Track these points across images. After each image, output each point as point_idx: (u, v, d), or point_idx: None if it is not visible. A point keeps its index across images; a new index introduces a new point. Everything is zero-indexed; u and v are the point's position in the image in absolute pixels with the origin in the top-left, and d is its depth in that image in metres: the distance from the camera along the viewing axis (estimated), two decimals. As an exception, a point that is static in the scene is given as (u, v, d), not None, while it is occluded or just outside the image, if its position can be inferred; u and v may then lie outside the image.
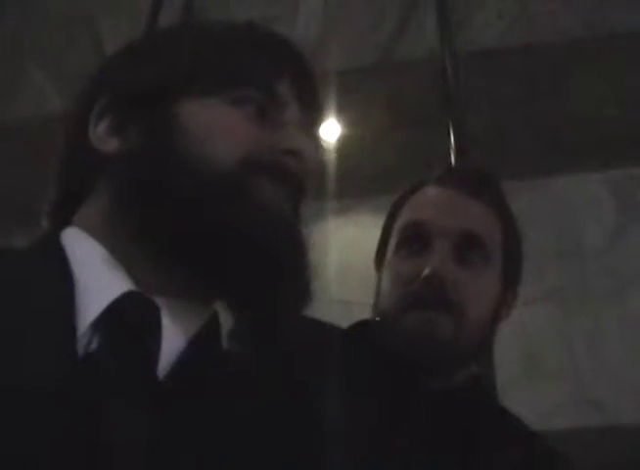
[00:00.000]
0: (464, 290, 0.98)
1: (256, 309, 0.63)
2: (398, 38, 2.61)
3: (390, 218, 1.10)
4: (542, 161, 2.84)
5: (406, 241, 1.03)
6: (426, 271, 0.97)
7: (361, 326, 1.09)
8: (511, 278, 1.07)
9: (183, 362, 0.60)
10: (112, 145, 0.66)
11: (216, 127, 0.65)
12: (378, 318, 1.05)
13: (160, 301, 0.59)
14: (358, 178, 2.88)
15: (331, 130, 2.76)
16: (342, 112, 2.65)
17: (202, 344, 0.62)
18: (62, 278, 0.58)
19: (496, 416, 1.05)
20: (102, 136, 0.67)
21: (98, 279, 0.59)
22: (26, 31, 2.94)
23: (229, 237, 0.60)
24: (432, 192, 1.07)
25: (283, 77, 0.71)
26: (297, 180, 0.67)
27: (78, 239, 0.63)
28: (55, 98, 2.78)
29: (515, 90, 2.62)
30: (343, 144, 2.80)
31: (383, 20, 2.64)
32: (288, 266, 0.63)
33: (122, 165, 0.65)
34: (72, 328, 0.54)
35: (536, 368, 2.65)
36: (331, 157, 2.71)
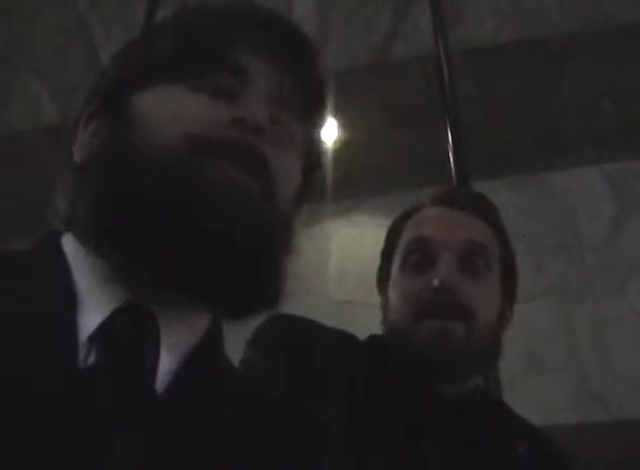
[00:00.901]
0: (472, 297, 1.01)
1: (213, 303, 0.60)
2: (393, 38, 2.61)
3: (390, 242, 1.12)
4: (539, 156, 2.85)
5: (412, 258, 1.05)
6: (435, 282, 1.00)
7: (373, 339, 1.11)
8: (508, 292, 1.10)
9: (182, 374, 0.58)
10: (84, 153, 0.65)
11: (162, 108, 0.62)
12: (388, 331, 1.06)
13: (158, 309, 0.57)
14: (356, 180, 2.88)
15: (328, 132, 2.76)
16: (338, 113, 2.65)
17: (202, 354, 0.61)
18: (64, 287, 0.57)
19: (504, 418, 1.08)
20: (83, 146, 0.65)
21: (97, 289, 0.57)
22: (21, 40, 2.94)
23: (173, 222, 0.55)
24: (430, 211, 1.10)
25: (242, 47, 0.66)
26: (255, 155, 0.61)
27: (76, 245, 0.61)
28: (50, 106, 2.78)
29: (510, 86, 2.62)
30: (341, 146, 2.80)
31: (377, 20, 2.64)
32: (240, 253, 0.57)
33: (85, 170, 0.63)
34: (73, 340, 0.54)
35: (539, 364, 2.66)
36: (328, 159, 2.71)
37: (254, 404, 0.62)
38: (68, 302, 0.56)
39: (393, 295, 1.07)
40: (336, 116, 2.67)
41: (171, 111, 0.62)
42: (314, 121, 0.72)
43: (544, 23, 2.53)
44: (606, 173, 2.89)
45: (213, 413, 0.57)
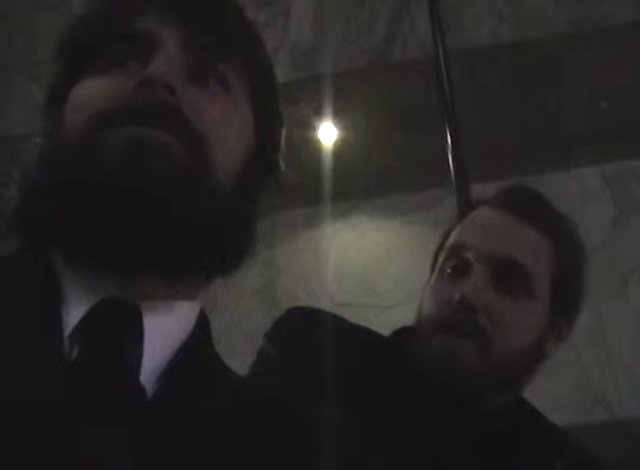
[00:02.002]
0: (498, 318, 0.96)
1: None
2: (391, 40, 2.61)
3: (445, 236, 1.07)
4: (537, 157, 2.85)
5: (449, 262, 1.02)
6: (457, 296, 0.96)
7: (403, 333, 1.07)
8: (562, 309, 1.04)
9: (169, 369, 0.57)
10: None
11: (79, 97, 0.61)
12: (414, 332, 1.03)
13: (144, 303, 0.56)
14: (355, 181, 2.88)
15: (327, 133, 2.76)
16: (336, 114, 2.65)
17: (189, 348, 0.60)
18: (47, 283, 0.57)
19: (540, 433, 1.04)
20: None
21: (79, 284, 0.57)
22: (19, 45, 2.94)
23: (80, 206, 0.53)
24: (483, 214, 1.04)
25: (145, 11, 0.63)
26: (164, 110, 0.57)
27: None
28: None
29: (507, 87, 2.62)
30: (340, 147, 2.80)
31: (375, 22, 2.64)
32: (156, 210, 0.54)
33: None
34: (58, 337, 0.53)
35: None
36: (327, 160, 2.71)
37: (244, 401, 0.61)
38: (51, 298, 0.56)
39: (427, 293, 1.03)
40: (334, 117, 2.67)
41: (79, 99, 0.61)
42: (254, 67, 0.68)
43: (541, 25, 2.54)
44: (604, 174, 2.89)
45: (201, 409, 0.56)
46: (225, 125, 0.62)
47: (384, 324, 1.09)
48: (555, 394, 2.59)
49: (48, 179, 0.57)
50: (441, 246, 1.06)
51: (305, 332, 1.01)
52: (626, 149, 2.81)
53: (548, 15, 2.53)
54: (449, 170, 1.86)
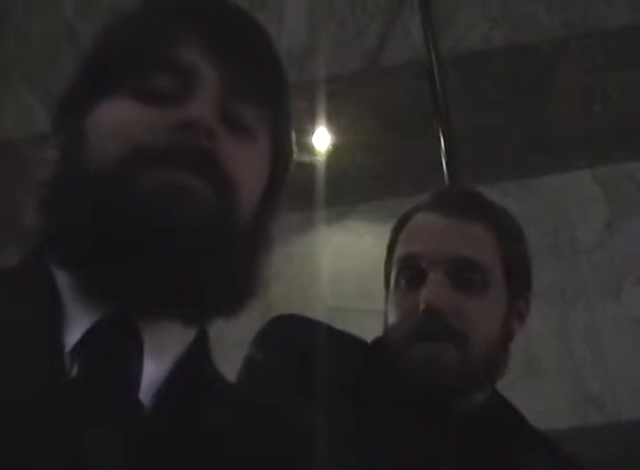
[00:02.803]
0: (464, 316, 0.99)
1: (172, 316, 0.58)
2: (384, 44, 2.62)
3: (390, 250, 1.10)
4: (531, 160, 2.85)
5: (403, 274, 1.04)
6: (422, 306, 0.98)
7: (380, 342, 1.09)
8: (518, 290, 1.07)
9: (167, 384, 0.57)
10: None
11: (106, 124, 0.59)
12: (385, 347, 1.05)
13: (143, 320, 0.57)
14: (349, 185, 2.88)
15: (320, 138, 2.76)
16: (330, 119, 2.65)
17: (187, 364, 0.60)
18: (49, 300, 0.57)
19: (518, 428, 1.06)
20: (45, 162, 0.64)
21: (81, 301, 0.57)
22: (12, 49, 2.93)
23: (109, 241, 0.54)
24: (423, 220, 1.07)
25: (184, 41, 0.61)
26: (202, 157, 0.57)
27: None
28: (42, 114, 2.78)
29: (501, 91, 2.63)
30: (333, 151, 2.80)
31: (368, 25, 2.64)
32: (184, 257, 0.55)
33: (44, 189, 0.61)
34: (59, 353, 0.53)
35: (534, 367, 2.65)
36: (321, 164, 2.71)
37: (242, 413, 0.61)
38: (53, 315, 0.56)
39: (390, 308, 1.05)
40: (328, 121, 2.67)
41: (111, 123, 0.59)
42: (278, 106, 0.68)
43: (534, 28, 2.54)
44: (598, 177, 2.89)
45: (199, 423, 0.56)
46: (250, 170, 0.63)
47: (378, 328, 1.09)
48: (550, 396, 2.59)
49: (80, 211, 0.56)
50: (389, 261, 1.08)
51: (292, 339, 1.02)
52: (620, 152, 2.81)
53: (541, 19, 2.53)
54: (443, 174, 1.87)
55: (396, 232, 1.10)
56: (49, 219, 0.59)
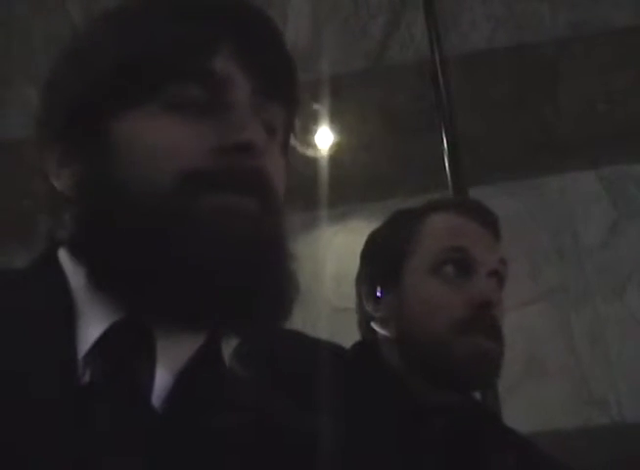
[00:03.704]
0: (501, 315, 1.03)
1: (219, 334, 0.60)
2: (388, 44, 2.61)
3: (405, 237, 1.09)
4: (535, 161, 2.85)
5: (448, 265, 1.04)
6: (479, 298, 1.00)
7: (362, 347, 1.10)
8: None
9: (178, 389, 0.57)
10: (63, 180, 0.61)
11: (150, 142, 0.57)
12: (399, 335, 1.05)
13: (156, 324, 0.56)
14: (352, 185, 2.88)
15: (324, 137, 2.76)
16: (334, 118, 2.65)
17: (198, 367, 0.59)
18: (62, 303, 0.56)
19: (494, 427, 1.08)
20: (54, 170, 0.62)
21: (94, 305, 0.56)
22: (17, 49, 2.94)
23: (168, 268, 0.53)
24: (458, 220, 1.09)
25: (218, 50, 0.59)
26: (258, 177, 0.57)
27: (74, 261, 0.59)
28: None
29: (505, 91, 2.62)
30: (336, 151, 2.80)
31: (372, 25, 2.64)
32: (244, 281, 0.55)
33: (67, 204, 0.60)
34: (72, 357, 0.53)
35: (538, 368, 2.65)
36: (324, 164, 2.71)
37: (254, 417, 0.61)
38: (66, 318, 0.55)
39: (417, 298, 1.05)
40: (331, 121, 2.67)
41: (152, 141, 0.57)
42: (292, 104, 0.67)
43: (538, 29, 2.54)
44: (602, 177, 2.89)
45: (211, 427, 0.56)
46: (282, 175, 0.63)
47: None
48: (553, 397, 2.58)
49: (127, 234, 0.55)
50: (404, 249, 1.08)
51: (273, 350, 1.03)
52: (625, 153, 2.81)
53: (545, 18, 2.53)
54: (446, 174, 1.86)
55: (413, 224, 1.10)
56: (82, 234, 0.58)
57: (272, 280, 0.57)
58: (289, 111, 0.66)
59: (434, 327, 1.01)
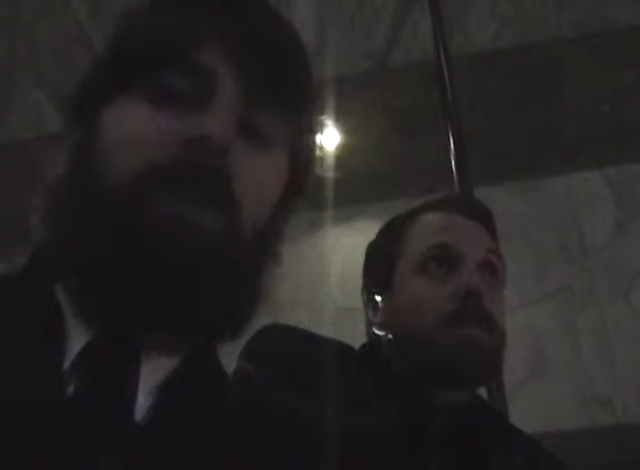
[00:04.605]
0: (493, 305, 1.03)
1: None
2: (393, 44, 2.62)
3: (394, 241, 1.11)
4: (540, 161, 2.84)
5: (432, 263, 1.05)
6: (464, 289, 1.00)
7: (368, 349, 1.11)
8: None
9: (162, 401, 0.56)
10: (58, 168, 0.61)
11: (120, 131, 0.56)
12: (394, 335, 1.06)
13: (140, 334, 0.55)
14: (358, 186, 2.88)
15: (329, 138, 2.76)
16: (339, 119, 2.65)
17: (182, 377, 0.58)
18: (50, 312, 0.56)
19: (501, 427, 1.09)
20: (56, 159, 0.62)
21: (80, 315, 0.56)
22: (22, 49, 2.94)
23: (112, 261, 0.52)
24: (443, 217, 1.10)
25: (206, 43, 0.58)
26: (214, 180, 0.55)
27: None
28: (52, 114, 2.79)
29: (510, 91, 2.62)
30: (342, 151, 2.80)
31: (377, 26, 2.64)
32: (188, 289, 0.53)
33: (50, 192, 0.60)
34: (57, 368, 0.52)
35: (543, 369, 2.65)
36: (330, 165, 2.71)
37: (243, 415, 0.60)
38: (53, 328, 0.55)
39: (405, 298, 1.06)
40: (337, 121, 2.67)
41: (125, 131, 0.56)
42: (301, 118, 0.64)
43: (544, 28, 2.53)
44: (608, 177, 2.88)
45: (194, 439, 0.55)
46: (261, 183, 0.59)
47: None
48: (559, 397, 2.58)
49: (86, 225, 0.54)
50: (395, 250, 1.10)
51: (282, 349, 1.03)
52: (630, 152, 2.80)
53: (551, 18, 2.53)
54: (452, 174, 1.86)
55: (404, 224, 1.12)
56: (53, 228, 0.58)
57: (216, 286, 0.55)
58: (290, 120, 0.62)
59: (423, 323, 1.01)
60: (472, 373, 1.01)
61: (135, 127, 0.56)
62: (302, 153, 0.66)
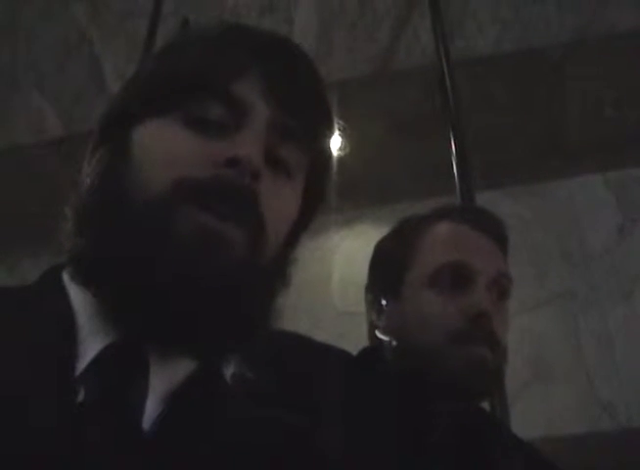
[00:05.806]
0: (500, 325, 1.04)
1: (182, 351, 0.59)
2: (394, 48, 2.62)
3: (406, 249, 1.11)
4: (542, 165, 2.84)
5: (444, 278, 1.06)
6: (475, 309, 1.02)
7: (369, 353, 1.11)
8: None
9: (168, 411, 0.56)
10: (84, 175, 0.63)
11: (155, 150, 0.60)
12: (398, 345, 1.06)
13: (151, 345, 0.57)
14: (359, 190, 2.88)
15: (332, 142, 2.76)
16: (340, 123, 2.65)
17: (190, 389, 0.59)
18: (64, 323, 0.57)
19: (500, 434, 1.10)
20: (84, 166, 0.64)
21: (94, 325, 0.57)
22: (23, 54, 2.95)
23: (145, 272, 0.54)
24: (457, 231, 1.10)
25: (243, 76, 0.63)
26: (245, 199, 0.58)
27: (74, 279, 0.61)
28: (53, 119, 2.79)
29: (511, 95, 2.62)
30: (344, 156, 2.80)
31: (378, 30, 2.65)
32: (209, 312, 0.55)
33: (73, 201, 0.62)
34: (70, 377, 0.53)
35: (545, 373, 2.64)
36: (332, 169, 2.71)
37: (248, 430, 0.61)
38: (67, 337, 0.56)
39: (413, 310, 1.06)
40: (338, 126, 2.67)
41: (160, 149, 0.60)
42: (320, 148, 0.70)
43: (545, 32, 2.54)
44: (609, 181, 2.88)
45: (201, 449, 0.56)
46: (286, 215, 0.64)
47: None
48: (561, 402, 2.58)
49: (116, 236, 0.56)
50: (406, 259, 1.10)
51: (282, 356, 1.04)
52: (632, 156, 2.80)
53: (552, 22, 2.53)
54: (454, 179, 1.86)
55: (416, 233, 1.12)
56: (81, 236, 0.59)
57: (235, 306, 0.57)
58: (312, 158, 0.67)
59: (430, 337, 1.02)
60: (474, 389, 1.02)
61: (171, 146, 0.60)
62: (317, 184, 0.70)
